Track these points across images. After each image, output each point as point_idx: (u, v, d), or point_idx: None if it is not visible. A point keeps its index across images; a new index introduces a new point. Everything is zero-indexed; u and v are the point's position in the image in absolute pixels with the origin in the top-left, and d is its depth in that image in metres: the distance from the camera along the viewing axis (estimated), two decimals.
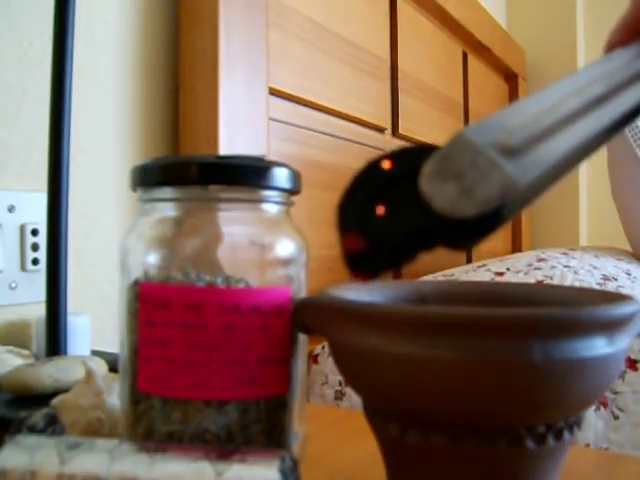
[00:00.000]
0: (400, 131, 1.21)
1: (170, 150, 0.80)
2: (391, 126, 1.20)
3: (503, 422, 0.25)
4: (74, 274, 0.60)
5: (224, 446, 0.28)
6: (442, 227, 0.24)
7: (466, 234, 0.24)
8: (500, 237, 1.79)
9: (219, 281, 0.29)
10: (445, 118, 1.44)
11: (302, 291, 0.33)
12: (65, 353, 0.53)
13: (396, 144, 1.21)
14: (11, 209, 0.62)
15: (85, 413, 0.35)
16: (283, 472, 0.24)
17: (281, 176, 0.31)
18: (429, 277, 0.96)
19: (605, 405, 0.62)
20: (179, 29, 0.79)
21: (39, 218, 0.63)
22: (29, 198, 0.64)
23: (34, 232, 0.64)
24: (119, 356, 0.32)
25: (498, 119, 0.24)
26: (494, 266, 0.97)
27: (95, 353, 0.58)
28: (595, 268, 0.94)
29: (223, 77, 0.75)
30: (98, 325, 0.67)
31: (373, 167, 0.26)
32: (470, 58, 1.63)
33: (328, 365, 0.77)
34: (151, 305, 0.29)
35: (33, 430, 0.28)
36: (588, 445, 0.61)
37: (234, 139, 0.76)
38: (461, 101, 1.56)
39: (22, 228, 0.63)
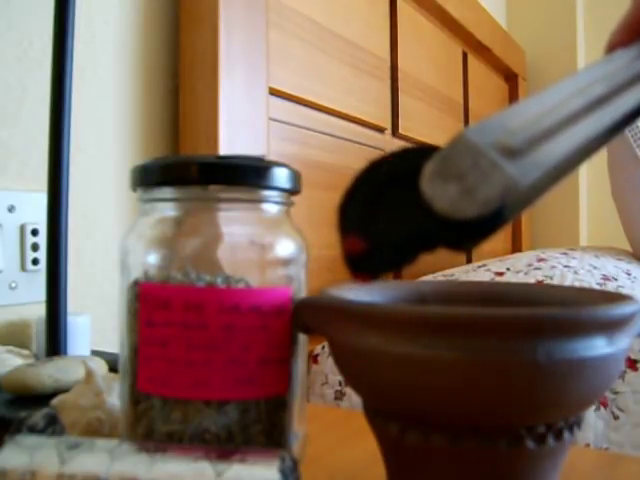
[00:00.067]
0: (400, 131, 1.21)
1: (170, 150, 0.80)
2: (391, 126, 1.20)
3: (503, 422, 0.25)
4: (74, 274, 0.60)
5: (224, 446, 0.28)
6: (443, 228, 0.24)
7: (467, 235, 0.24)
8: (500, 237, 1.79)
9: (219, 281, 0.29)
10: (445, 118, 1.44)
11: (302, 291, 0.33)
12: (65, 353, 0.53)
13: (396, 144, 1.21)
14: (11, 209, 0.62)
15: (85, 413, 0.35)
16: (283, 472, 0.24)
17: (281, 176, 0.31)
18: (429, 277, 0.96)
19: (605, 405, 0.62)
20: (179, 29, 0.79)
21: (39, 218, 0.63)
22: (29, 198, 0.64)
23: (34, 232, 0.64)
24: (119, 356, 0.32)
25: (499, 120, 0.24)
26: (494, 266, 0.97)
27: (95, 353, 0.58)
28: (595, 268, 0.94)
29: (223, 77, 0.75)
30: (98, 325, 0.67)
31: (374, 168, 0.26)
32: (470, 58, 1.63)
33: (328, 365, 0.77)
34: (151, 305, 0.29)
35: (33, 430, 0.28)
36: (588, 445, 0.61)
37: (234, 139, 0.76)
38: (461, 101, 1.56)
39: (22, 228, 0.63)
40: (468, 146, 0.23)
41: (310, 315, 0.30)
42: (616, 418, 0.61)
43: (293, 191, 0.33)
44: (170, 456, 0.24)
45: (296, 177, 0.33)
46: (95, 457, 0.24)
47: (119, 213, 0.74)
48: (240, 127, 0.77)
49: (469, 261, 1.46)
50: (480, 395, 0.24)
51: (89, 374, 0.36)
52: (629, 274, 0.95)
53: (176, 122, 0.79)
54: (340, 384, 0.75)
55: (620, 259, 1.12)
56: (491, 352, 0.24)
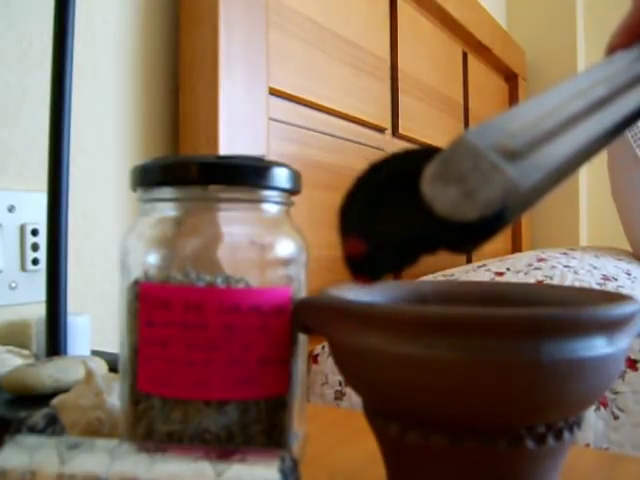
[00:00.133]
0: (400, 131, 1.21)
1: (170, 150, 0.80)
2: (391, 126, 1.20)
3: (503, 422, 0.25)
4: (74, 274, 0.60)
5: (224, 446, 0.28)
6: (444, 230, 0.24)
7: (468, 237, 0.24)
8: (500, 238, 1.79)
9: (219, 281, 0.29)
10: (445, 118, 1.44)
11: (302, 291, 0.33)
12: (65, 353, 0.53)
13: (396, 144, 1.21)
14: (11, 209, 0.62)
15: (85, 413, 0.35)
16: (283, 472, 0.24)
17: (281, 176, 0.31)
18: (429, 277, 0.96)
19: (605, 405, 0.62)
20: (179, 29, 0.79)
21: (39, 218, 0.63)
22: (29, 198, 0.64)
23: (34, 232, 0.64)
24: (119, 356, 0.32)
25: (499, 122, 0.24)
26: (494, 266, 0.97)
27: (95, 353, 0.58)
28: (595, 268, 0.94)
29: (223, 77, 0.75)
30: (98, 325, 0.67)
31: (374, 170, 0.26)
32: (470, 58, 1.63)
33: (328, 365, 0.77)
34: (151, 305, 0.29)
35: (33, 430, 0.28)
36: (588, 445, 0.61)
37: (234, 139, 0.76)
38: (461, 101, 1.56)
39: (22, 228, 0.63)
40: (469, 148, 0.23)
41: (310, 315, 0.30)
42: (616, 418, 0.61)
43: (293, 191, 0.33)
44: (170, 456, 0.24)
45: (296, 177, 0.33)
46: (95, 457, 0.24)
47: (119, 213, 0.74)
48: (240, 127, 0.77)
49: (469, 261, 1.46)
50: (480, 395, 0.24)
51: (89, 374, 0.36)
52: (629, 274, 0.95)
53: (176, 122, 0.79)
54: (340, 384, 0.75)
55: (620, 259, 1.12)
56: (491, 352, 0.24)
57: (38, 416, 0.29)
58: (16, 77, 0.63)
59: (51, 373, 0.45)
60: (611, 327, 0.25)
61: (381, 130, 1.16)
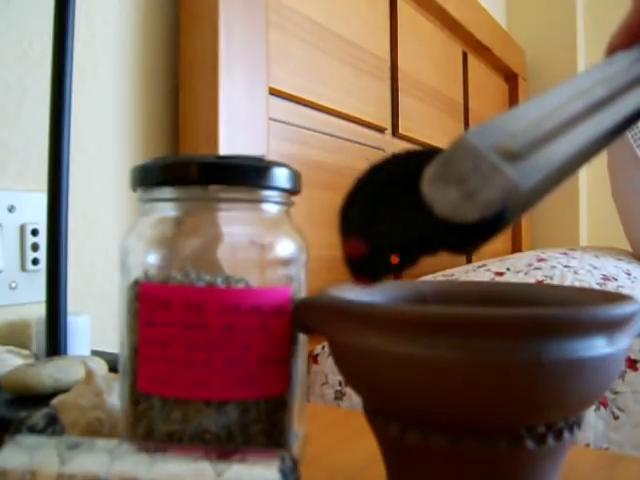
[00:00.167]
0: (400, 131, 1.21)
1: (170, 150, 0.80)
2: (391, 126, 1.20)
3: (503, 422, 0.25)
4: (74, 274, 0.60)
5: (224, 446, 0.28)
6: (444, 231, 0.24)
7: (468, 238, 0.24)
8: (500, 238, 1.79)
9: (219, 281, 0.29)
10: (445, 118, 1.44)
11: (302, 291, 0.33)
12: (65, 353, 0.53)
13: (396, 144, 1.21)
14: (11, 209, 0.62)
15: (85, 413, 0.35)
16: (283, 472, 0.24)
17: (281, 176, 0.31)
18: (429, 277, 0.96)
19: (605, 405, 0.62)
20: (179, 29, 0.79)
21: (39, 218, 0.63)
22: (29, 198, 0.64)
23: (34, 232, 0.64)
24: (119, 356, 0.32)
25: (500, 123, 0.24)
26: (494, 266, 0.97)
27: (95, 353, 0.58)
28: (595, 268, 0.94)
29: (223, 77, 0.75)
30: (98, 325, 0.67)
31: (375, 171, 0.26)
32: (470, 58, 1.63)
33: (328, 365, 0.77)
34: (151, 305, 0.29)
35: (33, 430, 0.28)
36: (588, 445, 0.61)
37: (234, 139, 0.76)
38: (461, 101, 1.56)
39: (22, 228, 0.63)
40: (469, 149, 0.23)
41: (310, 315, 0.30)
42: (616, 418, 0.61)
43: (293, 191, 0.33)
44: (170, 456, 0.24)
45: (296, 177, 0.33)
46: (95, 457, 0.24)
47: (119, 213, 0.74)
48: (240, 127, 0.77)
49: (469, 261, 1.46)
50: (480, 395, 0.24)
51: (89, 374, 0.36)
52: (629, 274, 0.95)
53: (176, 122, 0.79)
54: (340, 384, 0.75)
55: (620, 259, 1.12)
56: (491, 352, 0.24)
57: (38, 416, 0.29)
58: (16, 77, 0.63)
59: (51, 373, 0.45)
60: (611, 327, 0.25)
61: (381, 130, 1.16)
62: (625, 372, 0.63)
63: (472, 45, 1.64)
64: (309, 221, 0.90)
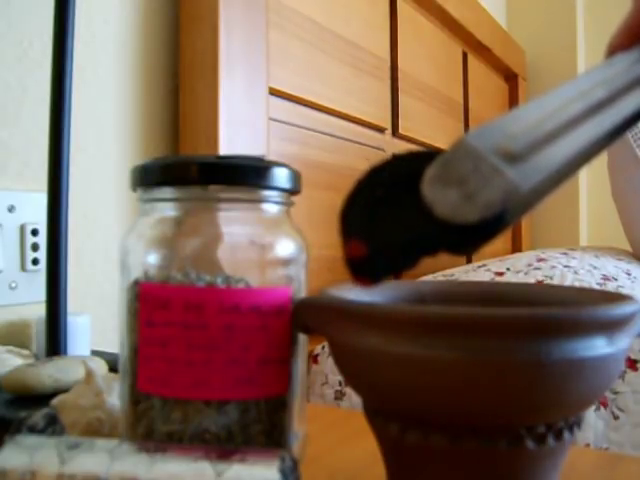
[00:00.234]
0: (400, 131, 1.21)
1: (170, 150, 0.80)
2: (391, 126, 1.20)
3: (503, 422, 0.25)
4: (74, 274, 0.60)
5: (224, 446, 0.28)
6: (444, 232, 0.24)
7: (468, 239, 0.24)
8: (500, 238, 1.78)
9: (219, 281, 0.29)
10: (445, 118, 1.44)
11: (302, 291, 0.33)
12: (65, 353, 0.53)
13: (396, 144, 1.21)
14: (11, 209, 0.62)
15: (85, 413, 0.35)
16: (283, 472, 0.24)
17: (281, 176, 0.31)
18: (429, 277, 0.96)
19: (605, 405, 0.62)
20: (179, 29, 0.79)
21: (39, 218, 0.63)
22: (29, 198, 0.64)
23: (34, 232, 0.64)
24: (119, 356, 0.32)
25: (500, 124, 0.24)
26: (494, 266, 0.97)
27: (95, 353, 0.58)
28: (595, 268, 0.94)
29: (223, 77, 0.75)
30: (98, 325, 0.67)
31: (375, 172, 0.26)
32: (470, 58, 1.63)
33: (328, 365, 0.77)
34: (151, 305, 0.29)
35: (33, 430, 0.28)
36: (588, 445, 0.61)
37: (234, 139, 0.76)
38: (461, 101, 1.56)
39: (22, 228, 0.63)
40: (469, 151, 0.23)
41: (310, 315, 0.30)
42: (616, 418, 0.61)
43: (293, 191, 0.33)
44: (170, 456, 0.24)
45: (296, 177, 0.33)
46: (95, 457, 0.24)
47: (119, 213, 0.74)
48: (240, 127, 0.77)
49: (469, 261, 1.46)
50: (480, 395, 0.24)
51: (89, 374, 0.36)
52: (629, 274, 0.95)
53: (176, 122, 0.79)
54: (340, 384, 0.75)
55: (620, 259, 1.12)
56: (491, 352, 0.24)
57: (38, 416, 0.29)
58: (16, 77, 0.63)
59: (51, 373, 0.45)
60: (611, 327, 0.25)
61: (381, 130, 1.16)
62: (625, 372, 0.63)
63: (472, 45, 1.64)
64: (309, 221, 0.90)
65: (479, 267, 0.99)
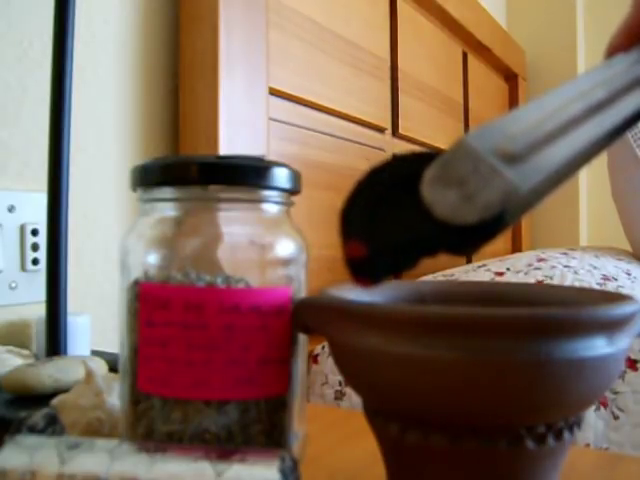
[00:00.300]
0: (400, 131, 1.21)
1: (170, 150, 0.80)
2: (391, 126, 1.20)
3: (503, 422, 0.25)
4: (74, 274, 0.60)
5: (224, 446, 0.28)
6: (444, 233, 0.24)
7: (467, 240, 0.24)
8: (500, 238, 1.78)
9: (219, 281, 0.29)
10: (445, 118, 1.44)
11: (302, 291, 0.33)
12: (65, 353, 0.53)
13: (396, 144, 1.21)
14: (11, 209, 0.62)
15: (85, 413, 0.35)
16: (283, 472, 0.24)
17: (281, 176, 0.31)
18: (429, 277, 0.96)
19: (605, 405, 0.62)
20: (179, 29, 0.79)
21: (39, 218, 0.63)
22: (29, 198, 0.64)
23: (34, 232, 0.64)
24: (119, 356, 0.32)
25: (499, 125, 0.24)
26: (494, 266, 0.97)
27: (95, 353, 0.58)
28: (595, 268, 0.94)
29: (223, 77, 0.75)
30: (98, 325, 0.67)
31: (375, 173, 0.26)
32: (470, 58, 1.63)
33: (328, 365, 0.77)
34: (151, 305, 0.29)
35: (33, 430, 0.28)
36: (588, 445, 0.61)
37: (234, 139, 0.76)
38: (461, 101, 1.56)
39: (22, 228, 0.63)
40: (468, 151, 0.23)
41: (310, 315, 0.30)
42: (616, 418, 0.61)
43: (293, 191, 0.33)
44: (170, 456, 0.24)
45: (296, 177, 0.33)
46: (95, 457, 0.24)
47: (119, 213, 0.74)
48: (240, 127, 0.77)
49: (469, 261, 1.46)
50: (480, 395, 0.24)
51: (89, 374, 0.36)
52: (629, 274, 0.95)
53: (176, 122, 0.79)
54: (340, 384, 0.75)
55: (620, 259, 1.12)
56: (491, 352, 0.24)
57: (38, 416, 0.29)
58: (16, 77, 0.63)
59: (51, 373, 0.45)
60: (611, 327, 0.25)
61: (381, 130, 1.16)
62: (625, 372, 0.63)
63: (472, 45, 1.64)
64: (309, 221, 0.90)
65: (479, 267, 0.99)
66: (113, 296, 0.68)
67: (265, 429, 0.30)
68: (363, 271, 0.26)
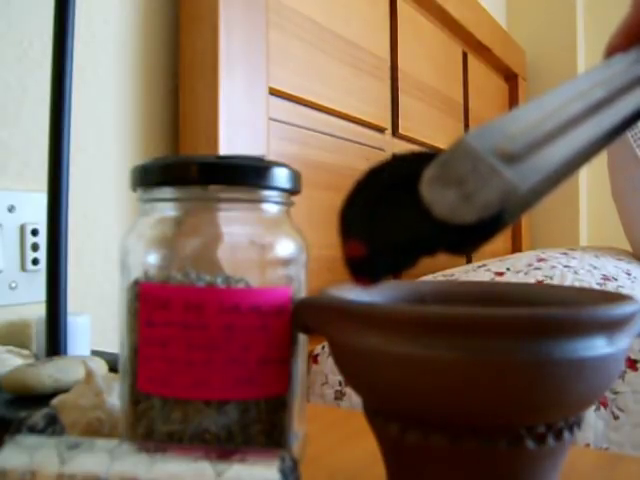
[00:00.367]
0: (400, 131, 1.21)
1: (170, 150, 0.80)
2: (391, 126, 1.20)
3: (503, 422, 0.25)
4: (74, 274, 0.60)
5: (224, 446, 0.28)
6: (443, 232, 0.24)
7: (467, 239, 0.24)
8: (500, 238, 1.79)
9: (219, 281, 0.29)
10: (445, 118, 1.44)
11: (302, 291, 0.33)
12: (65, 353, 0.53)
13: (396, 144, 1.21)
14: (11, 209, 0.62)
15: (85, 413, 0.35)
16: (283, 472, 0.24)
17: (281, 176, 0.31)
18: (429, 277, 0.96)
19: (605, 405, 0.62)
20: (179, 29, 0.79)
21: (39, 218, 0.63)
22: (29, 198, 0.64)
23: (34, 232, 0.64)
24: (119, 356, 0.32)
25: (498, 125, 0.25)
26: (494, 266, 0.97)
27: (95, 353, 0.58)
28: (595, 268, 0.94)
29: (223, 77, 0.75)
30: (98, 325, 0.67)
31: (375, 172, 0.26)
32: (470, 58, 1.63)
33: (328, 365, 0.77)
34: (151, 305, 0.29)
35: (33, 430, 0.28)
36: (588, 445, 0.61)
37: (234, 139, 0.76)
38: (461, 101, 1.56)
39: (22, 228, 0.63)
40: (467, 151, 0.23)
41: (310, 315, 0.30)
42: (616, 418, 0.61)
43: (293, 191, 0.33)
44: (170, 456, 0.24)
45: (296, 177, 0.33)
46: (95, 457, 0.24)
47: (119, 213, 0.74)
48: (240, 127, 0.77)
49: (469, 261, 1.46)
50: (480, 395, 0.24)
51: (89, 374, 0.36)
52: (629, 274, 0.95)
53: (176, 122, 0.79)
54: (340, 384, 0.75)
55: (620, 259, 1.12)
56: (491, 352, 0.24)
57: (38, 416, 0.29)
58: (16, 77, 0.63)
59: (51, 373, 0.45)
60: (611, 327, 0.25)
61: (381, 130, 1.16)
62: (625, 372, 0.63)
63: (472, 45, 1.64)
64: (309, 221, 0.90)
65: (479, 267, 0.99)
66: (113, 296, 0.68)
67: (265, 429, 0.30)
68: (363, 271, 0.26)
